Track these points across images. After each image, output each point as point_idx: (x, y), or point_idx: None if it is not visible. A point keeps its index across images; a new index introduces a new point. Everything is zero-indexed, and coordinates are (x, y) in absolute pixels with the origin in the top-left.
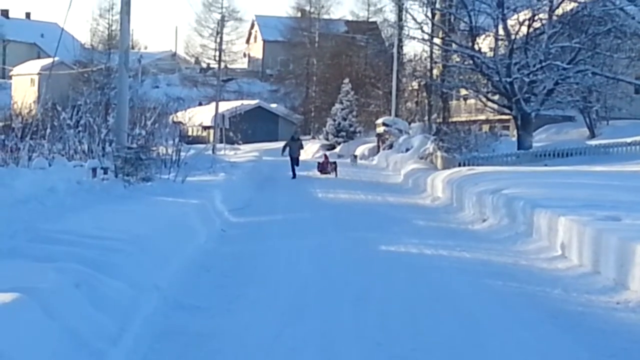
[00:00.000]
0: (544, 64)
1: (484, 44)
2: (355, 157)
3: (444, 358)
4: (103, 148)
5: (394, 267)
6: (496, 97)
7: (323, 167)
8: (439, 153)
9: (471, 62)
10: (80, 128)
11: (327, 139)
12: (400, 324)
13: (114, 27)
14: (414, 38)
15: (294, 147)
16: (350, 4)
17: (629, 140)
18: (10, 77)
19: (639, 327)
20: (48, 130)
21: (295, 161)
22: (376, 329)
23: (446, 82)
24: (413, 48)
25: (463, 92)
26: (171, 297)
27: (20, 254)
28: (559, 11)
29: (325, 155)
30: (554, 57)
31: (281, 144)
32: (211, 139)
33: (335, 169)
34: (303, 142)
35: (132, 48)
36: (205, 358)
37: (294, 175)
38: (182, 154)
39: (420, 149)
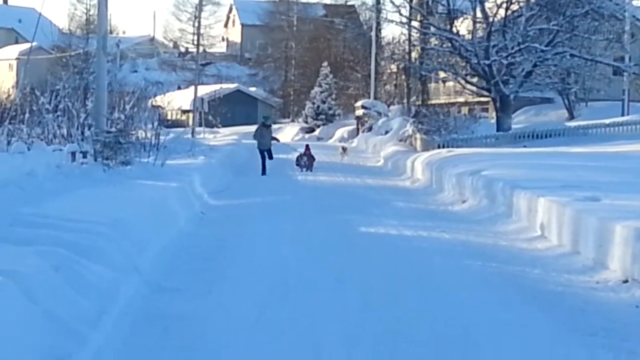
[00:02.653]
0: (522, 46)
1: (462, 26)
2: (345, 149)
3: (425, 338)
4: (82, 132)
5: (374, 249)
6: (475, 80)
7: (300, 161)
8: (418, 135)
9: (449, 44)
10: (59, 112)
11: (306, 122)
12: (380, 305)
13: (91, 12)
14: (392, 21)
15: (265, 137)
16: None
17: (607, 121)
18: None
19: (618, 306)
20: (27, 115)
21: (266, 154)
22: (357, 311)
23: (425, 65)
24: (391, 31)
25: (442, 74)
26: (152, 279)
27: (0, 238)
28: None
29: (307, 147)
30: (532, 39)
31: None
32: (190, 122)
33: (311, 165)
34: (283, 126)
35: (110, 33)
36: (186, 340)
37: (264, 171)
38: (162, 137)
39: (400, 131)
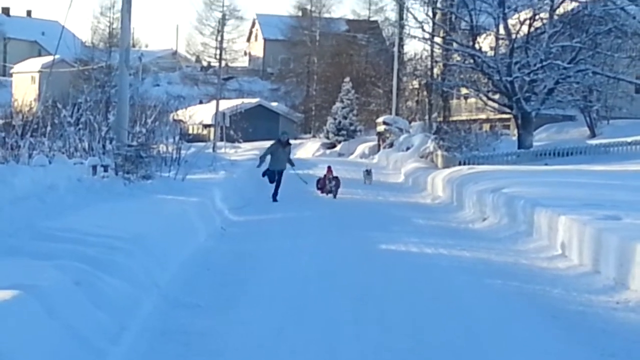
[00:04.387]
0: (544, 63)
1: (485, 43)
2: (369, 172)
3: (444, 357)
4: (103, 146)
5: (394, 266)
6: (497, 96)
7: (323, 185)
8: (439, 152)
9: (472, 61)
10: (80, 126)
11: (327, 138)
12: (400, 323)
13: (114, 25)
14: (414, 37)
15: (281, 156)
16: (351, 2)
17: (629, 139)
18: (11, 75)
19: (639, 327)
20: (48, 128)
21: (278, 177)
22: (377, 328)
23: (447, 81)
24: (414, 47)
25: (464, 91)
26: (171, 295)
27: (20, 251)
28: (560, 10)
29: (329, 168)
30: (555, 56)
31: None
32: (212, 137)
33: (336, 188)
34: (304, 141)
35: (133, 46)
36: (205, 357)
37: (275, 196)
38: (183, 152)
39: (421, 147)
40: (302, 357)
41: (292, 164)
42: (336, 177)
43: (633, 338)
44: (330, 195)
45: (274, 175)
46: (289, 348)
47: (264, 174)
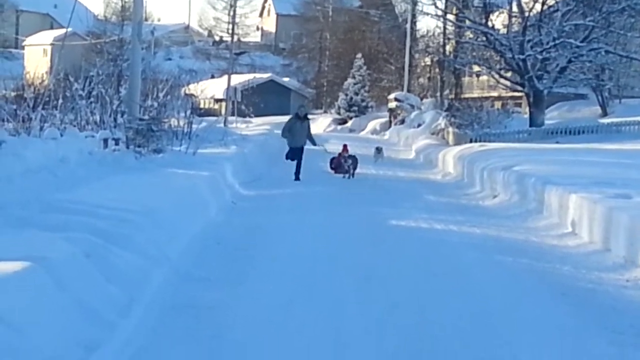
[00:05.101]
0: (557, 41)
1: (498, 20)
2: (380, 150)
3: (453, 333)
4: (115, 119)
5: (404, 242)
6: (509, 74)
7: (338, 164)
8: (450, 129)
9: (484, 38)
10: (92, 99)
11: (339, 114)
12: (409, 299)
13: None
14: (427, 14)
15: (298, 132)
16: None
17: None
18: (23, 48)
19: None
20: (60, 101)
21: (298, 154)
22: (384, 304)
23: (459, 59)
24: (426, 24)
25: (476, 68)
26: (182, 268)
27: (31, 223)
28: None
29: (345, 146)
30: (568, 34)
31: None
32: (223, 111)
33: (354, 168)
34: (316, 117)
35: (145, 20)
36: (215, 330)
37: (298, 175)
38: (194, 126)
39: (432, 124)
40: (310, 331)
41: (312, 142)
42: (353, 156)
43: None
44: (350, 177)
45: (294, 154)
46: (297, 322)
47: (287, 157)
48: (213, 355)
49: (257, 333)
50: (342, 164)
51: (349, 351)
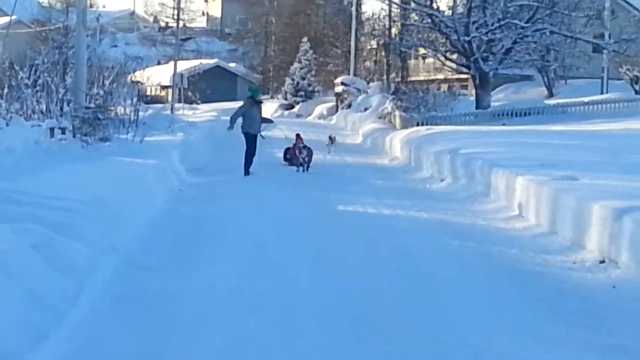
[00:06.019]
0: (502, 22)
1: (443, 2)
2: (333, 138)
3: (402, 317)
4: (61, 108)
5: (351, 227)
6: (454, 56)
7: (292, 156)
8: (397, 112)
9: (429, 20)
10: (38, 88)
11: (285, 99)
12: (357, 283)
13: None
14: None
15: (255, 117)
16: None
17: (586, 99)
18: None
19: (595, 286)
20: (5, 90)
21: (251, 142)
22: (334, 288)
23: (405, 41)
24: (372, 6)
25: (422, 51)
26: (130, 258)
27: None
28: None
29: (298, 135)
30: (512, 15)
31: (240, 103)
32: (169, 98)
33: (309, 160)
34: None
35: (90, 7)
36: (164, 318)
37: (247, 169)
38: (141, 113)
39: (379, 108)
40: (261, 313)
41: (270, 121)
42: (307, 147)
43: (589, 297)
44: (305, 171)
45: (249, 143)
46: (246, 309)
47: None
48: (163, 343)
49: (207, 319)
50: (297, 155)
51: (300, 332)
